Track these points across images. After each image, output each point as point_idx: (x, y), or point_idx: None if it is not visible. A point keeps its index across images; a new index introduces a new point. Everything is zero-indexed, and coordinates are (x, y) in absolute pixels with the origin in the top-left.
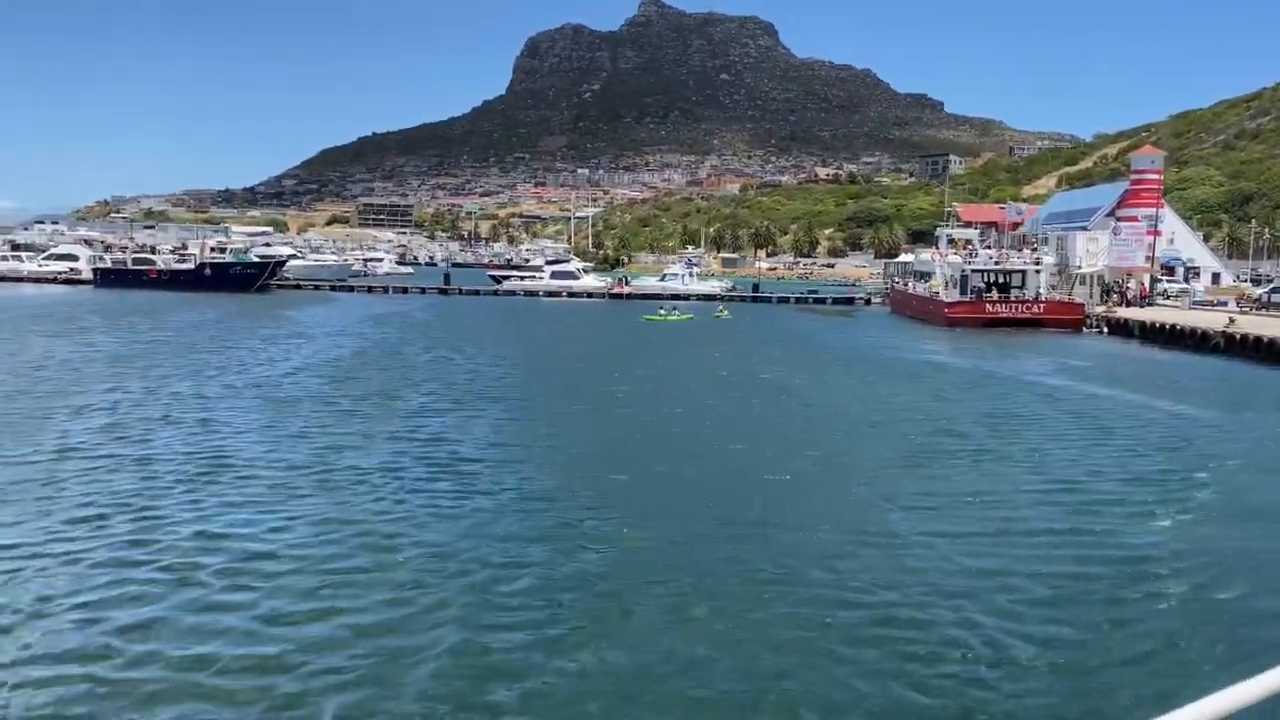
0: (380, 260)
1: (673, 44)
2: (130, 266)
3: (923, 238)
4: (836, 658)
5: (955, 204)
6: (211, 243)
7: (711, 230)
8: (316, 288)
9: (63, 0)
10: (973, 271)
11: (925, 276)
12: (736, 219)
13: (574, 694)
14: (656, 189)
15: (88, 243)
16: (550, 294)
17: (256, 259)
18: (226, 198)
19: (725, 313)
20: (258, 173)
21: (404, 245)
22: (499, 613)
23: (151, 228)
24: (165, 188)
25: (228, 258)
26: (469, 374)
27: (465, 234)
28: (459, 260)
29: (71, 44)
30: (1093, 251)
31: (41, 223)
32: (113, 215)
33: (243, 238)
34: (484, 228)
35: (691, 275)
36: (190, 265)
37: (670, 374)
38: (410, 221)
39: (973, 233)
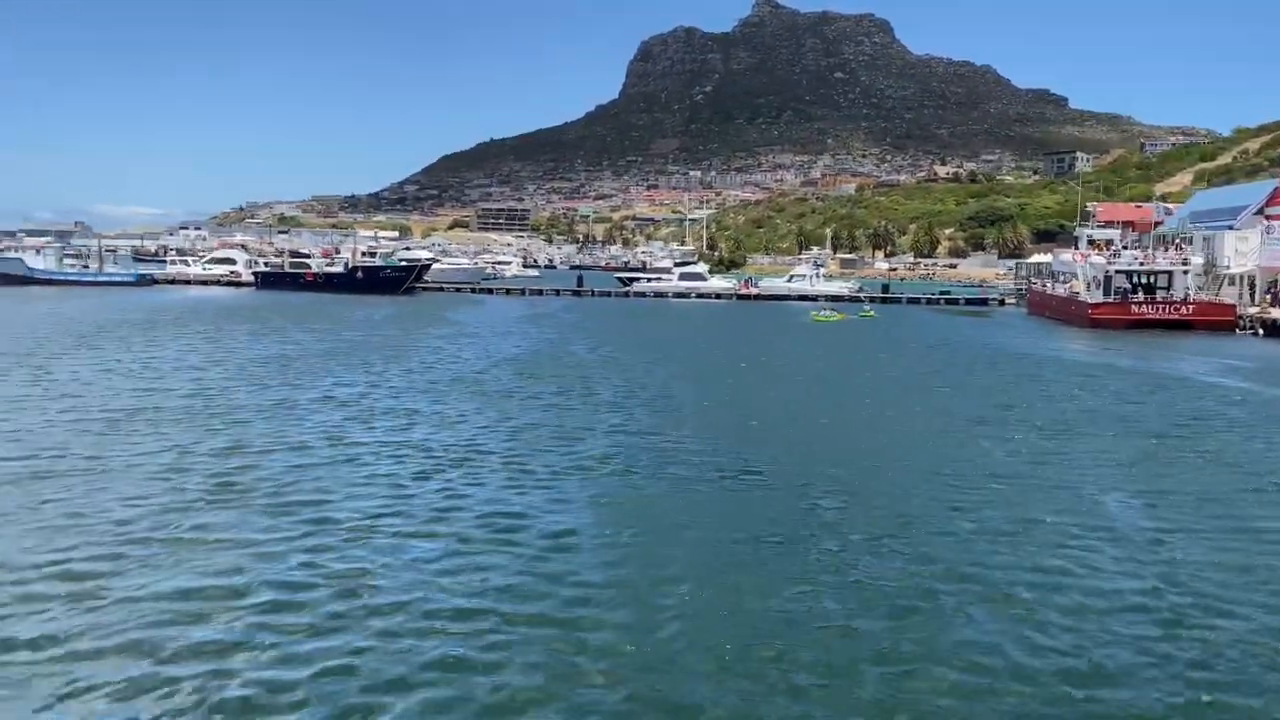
0: (508, 264)
1: (786, 44)
2: (287, 270)
3: (1049, 237)
4: (1137, 650)
5: (1095, 203)
6: (362, 248)
7: (828, 231)
8: (457, 290)
9: (194, 16)
10: (1116, 272)
11: (1065, 277)
12: (853, 219)
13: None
14: (769, 190)
15: (244, 247)
16: (679, 295)
17: (403, 263)
18: (353, 203)
19: (872, 313)
20: (381, 178)
21: (523, 249)
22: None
23: (285, 232)
24: (295, 194)
25: (377, 261)
26: (650, 372)
27: (580, 237)
28: (575, 263)
29: (205, 57)
30: (1242, 251)
31: (185, 228)
32: (248, 220)
33: (388, 243)
34: (598, 231)
35: (818, 276)
36: (342, 269)
37: (863, 379)
38: (527, 225)
39: (1114, 232)
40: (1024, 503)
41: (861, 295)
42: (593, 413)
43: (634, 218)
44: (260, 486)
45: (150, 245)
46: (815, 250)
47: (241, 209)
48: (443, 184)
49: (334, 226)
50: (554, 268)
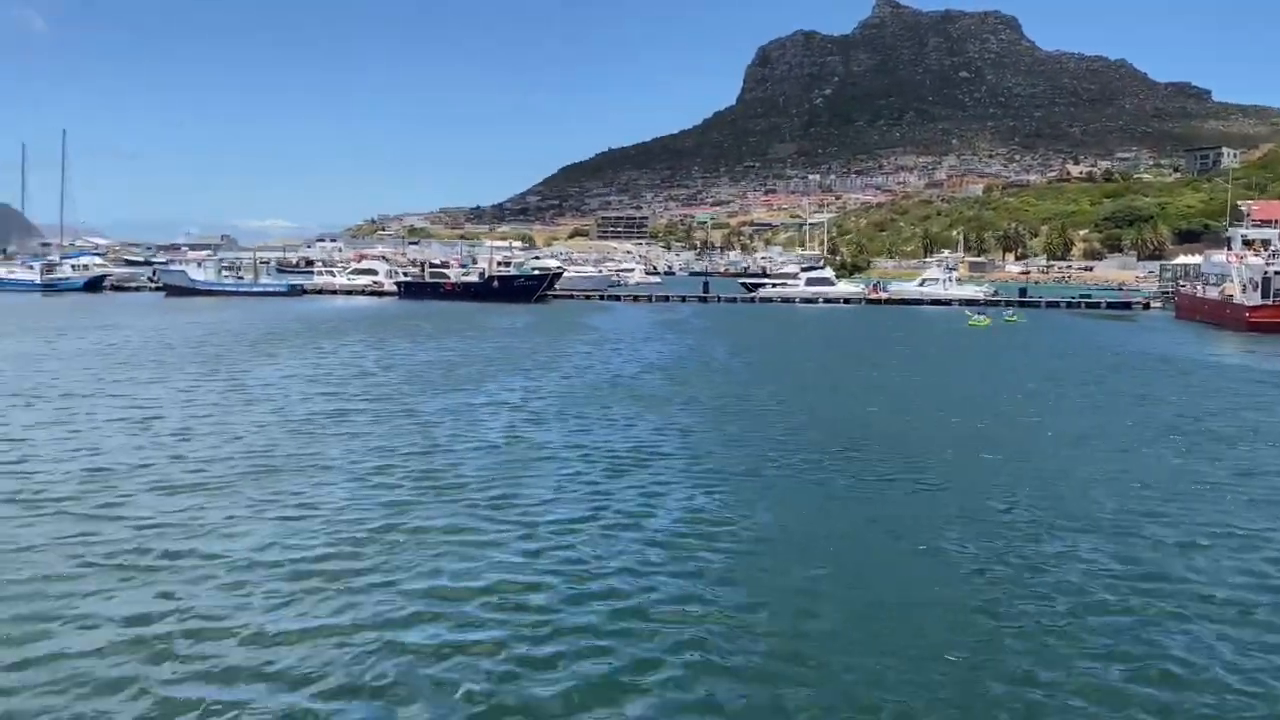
0: (631, 271)
1: (908, 44)
2: (428, 279)
3: (1193, 238)
4: None
5: (1248, 201)
6: (498, 258)
7: (955, 233)
8: (586, 297)
9: (321, 37)
10: (1275, 274)
11: (1216, 279)
12: (981, 221)
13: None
14: (892, 192)
15: (384, 258)
16: (806, 300)
17: (536, 272)
18: (478, 214)
19: (1017, 317)
20: (504, 190)
21: (643, 256)
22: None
23: (416, 243)
24: (423, 206)
25: (512, 271)
26: (800, 376)
27: (698, 244)
28: (695, 269)
29: (331, 76)
30: None
31: (322, 240)
32: (380, 233)
33: (520, 253)
34: (716, 237)
35: (951, 280)
36: (477, 278)
37: (1047, 389)
38: (645, 233)
39: (1272, 232)
40: (1229, 512)
41: (999, 299)
42: (757, 417)
43: (751, 223)
44: (466, 484)
45: (291, 257)
46: (946, 253)
47: (373, 221)
48: (563, 194)
49: (461, 237)
50: (673, 274)
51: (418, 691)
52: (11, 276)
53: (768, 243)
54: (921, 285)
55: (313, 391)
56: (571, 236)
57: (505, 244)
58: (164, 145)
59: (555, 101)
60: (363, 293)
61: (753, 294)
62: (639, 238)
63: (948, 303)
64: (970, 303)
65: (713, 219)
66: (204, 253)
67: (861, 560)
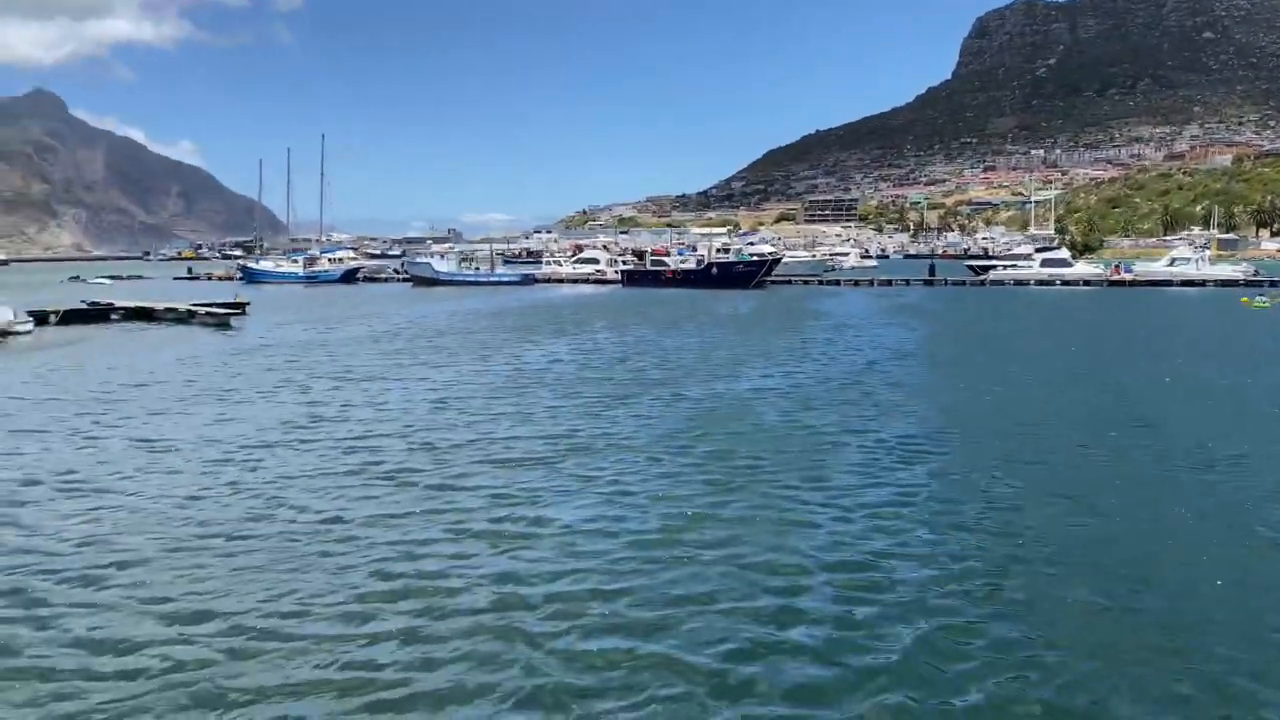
0: (846, 255)
1: (1142, 6)
2: (649, 267)
3: None
4: None
5: None
6: (717, 244)
7: (1199, 209)
8: (805, 282)
9: (524, 25)
10: None
11: None
12: (1230, 194)
13: None
14: (1125, 166)
15: (606, 248)
16: (1041, 282)
17: (755, 258)
18: (683, 202)
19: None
20: (709, 177)
21: (853, 239)
22: None
23: (626, 233)
24: (630, 196)
25: (731, 258)
26: (1072, 363)
27: (912, 225)
28: (910, 252)
29: (544, 75)
30: None
31: (538, 232)
32: (590, 223)
33: (736, 240)
34: (931, 218)
35: (1204, 259)
36: (695, 265)
37: None
38: (855, 215)
39: None
40: None
41: (1261, 279)
42: (1035, 405)
43: (969, 202)
44: (760, 467)
45: (513, 248)
46: (1195, 230)
47: (584, 212)
48: (768, 178)
49: (668, 225)
50: (886, 257)
51: (760, 653)
52: (279, 269)
53: (988, 222)
54: (1171, 265)
55: (586, 375)
56: (778, 221)
57: (731, 231)
58: (386, 146)
59: (760, 86)
60: (586, 281)
61: (981, 276)
62: (848, 220)
63: (1201, 283)
64: (1227, 284)
65: (927, 199)
66: (445, 246)
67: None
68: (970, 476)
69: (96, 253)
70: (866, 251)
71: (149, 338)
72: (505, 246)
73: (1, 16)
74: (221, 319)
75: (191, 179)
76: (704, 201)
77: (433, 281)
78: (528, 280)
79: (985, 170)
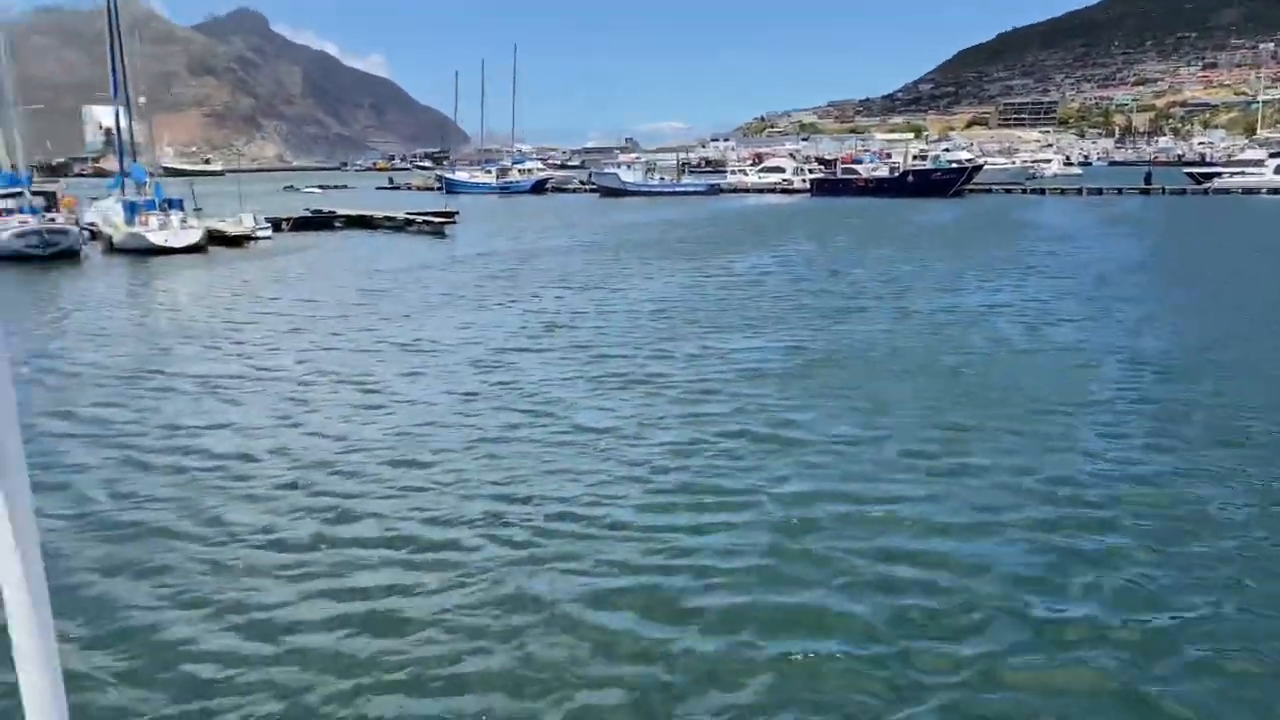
0: (1048, 162)
1: None
2: (840, 176)
3: None
4: None
5: None
6: (914, 151)
7: None
8: (1006, 191)
9: None
10: None
11: None
12: None
13: None
14: None
15: (792, 156)
16: (1274, 191)
17: (954, 165)
18: (867, 107)
19: None
20: (895, 80)
21: (1053, 145)
22: None
23: (807, 139)
24: (810, 101)
25: (928, 165)
26: None
27: (1118, 129)
28: (1116, 159)
29: None
30: None
31: (715, 140)
32: (769, 130)
33: (936, 147)
34: (1139, 121)
35: None
36: (887, 173)
37: None
38: (1054, 119)
39: None
40: None
41: None
42: None
43: (1183, 104)
44: (1011, 387)
45: (691, 157)
46: None
47: (762, 119)
48: (959, 80)
49: (851, 131)
50: (1089, 164)
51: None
52: (474, 180)
53: (1205, 125)
54: None
55: (803, 287)
56: (969, 126)
57: (896, 137)
58: (557, 57)
59: None
60: (773, 190)
61: (1204, 185)
62: (1046, 125)
63: None
64: None
65: (1135, 101)
66: (631, 156)
67: None
68: (1251, 393)
69: (296, 163)
70: (1068, 158)
71: (374, 243)
72: (683, 156)
73: None
74: (437, 227)
75: (381, 91)
76: (889, 106)
77: (620, 192)
78: (713, 190)
79: (1205, 68)
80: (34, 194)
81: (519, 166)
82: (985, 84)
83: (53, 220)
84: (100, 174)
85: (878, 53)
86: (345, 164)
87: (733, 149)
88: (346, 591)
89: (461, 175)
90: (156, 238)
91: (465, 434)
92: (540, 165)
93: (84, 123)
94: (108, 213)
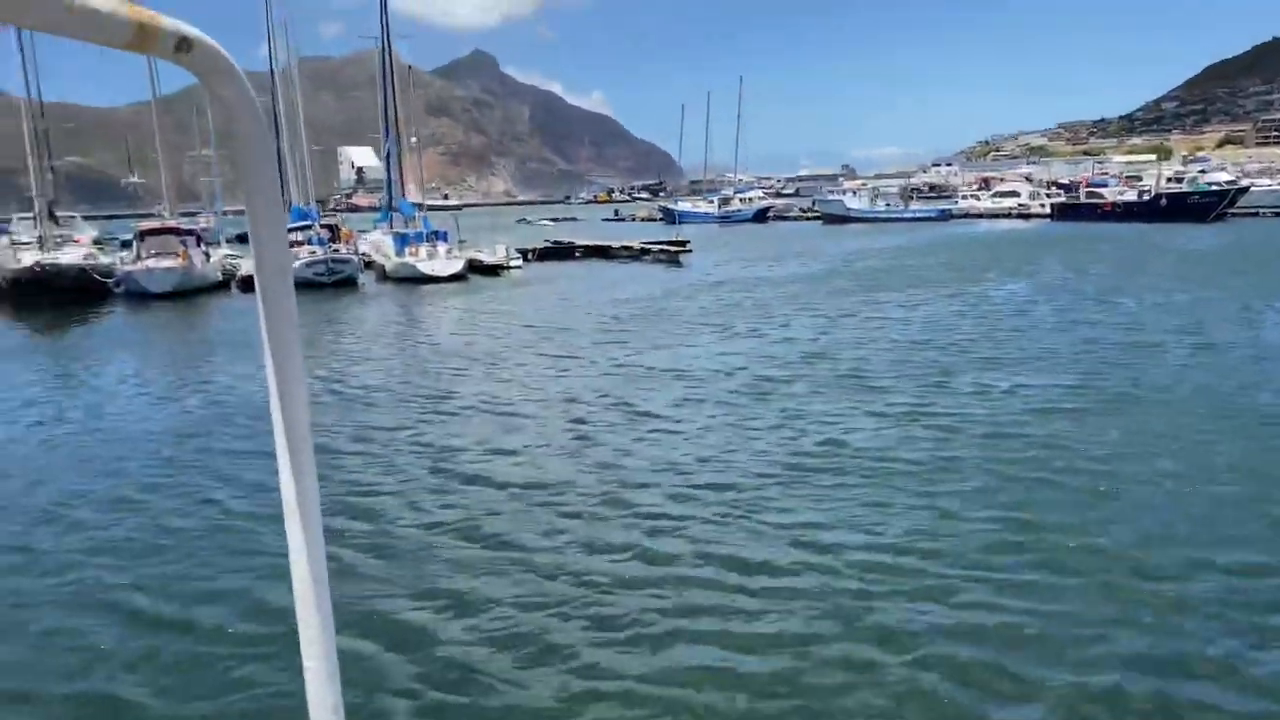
0: None
1: None
2: (1083, 200)
3: None
4: None
5: None
6: (1168, 173)
7: None
8: (1276, 214)
9: None
10: None
11: None
12: None
13: None
14: None
15: (1028, 179)
16: None
17: (1214, 187)
18: (1102, 127)
19: None
20: (1133, 99)
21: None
22: None
23: (1036, 163)
24: (1039, 123)
25: (1185, 188)
26: None
27: None
28: None
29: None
30: None
31: (937, 165)
32: (994, 154)
33: (1192, 167)
34: None
35: None
36: (1135, 196)
37: None
38: None
39: None
40: None
41: None
42: None
43: None
44: None
45: (912, 183)
46: None
47: (986, 143)
48: (1209, 97)
49: (1085, 153)
50: None
51: None
52: (696, 209)
53: None
54: None
55: (1073, 318)
56: (1220, 145)
57: (1136, 158)
58: (773, 83)
59: None
60: (1008, 215)
61: None
62: None
63: None
64: None
65: None
66: (858, 183)
67: None
68: None
69: (522, 197)
70: None
71: (615, 272)
72: (904, 181)
73: None
74: (672, 255)
75: (601, 127)
76: (1127, 126)
77: (844, 219)
78: (944, 216)
79: None
80: (321, 227)
81: (740, 195)
82: (1239, 100)
83: (336, 251)
84: (352, 209)
85: (1114, 71)
86: (569, 197)
87: (955, 173)
88: (669, 620)
89: (684, 205)
90: (425, 267)
91: (758, 463)
92: (760, 194)
93: (339, 162)
94: (380, 244)
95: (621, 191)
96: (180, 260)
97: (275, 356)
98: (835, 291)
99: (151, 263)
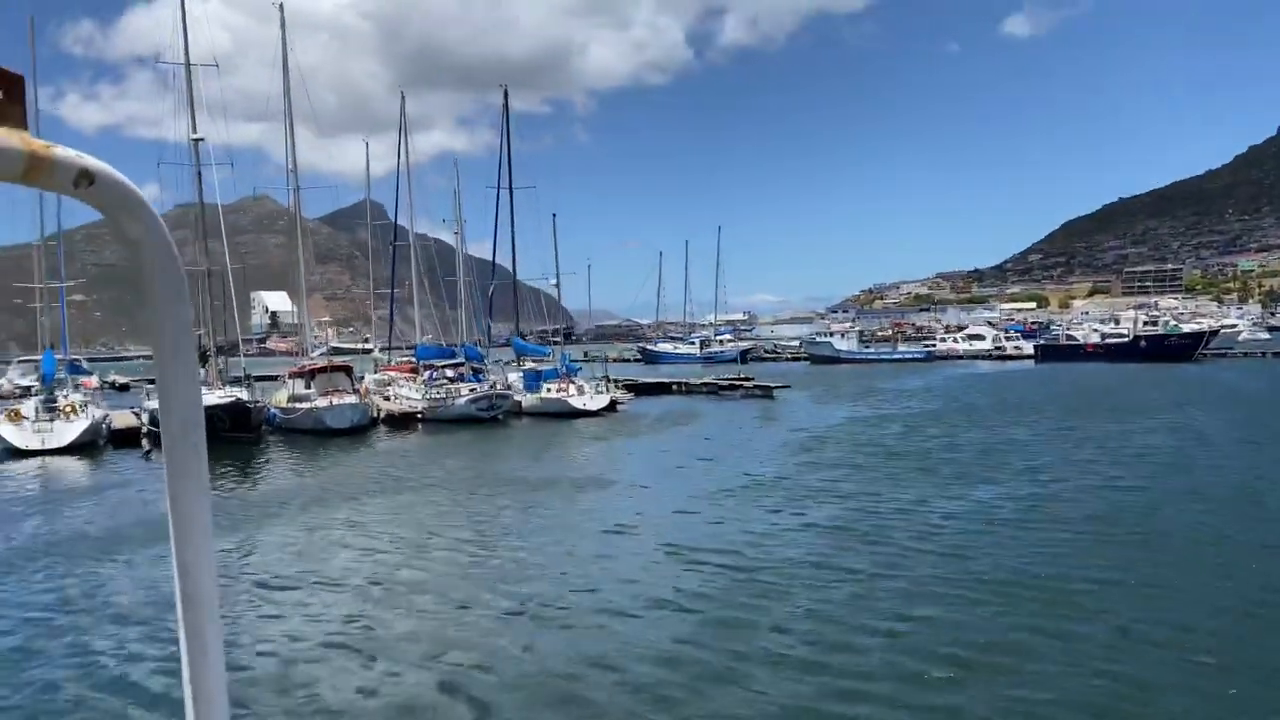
0: (1234, 327)
1: None
2: (1064, 343)
3: None
4: None
5: None
6: (1144, 317)
7: None
8: (1245, 355)
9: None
10: None
11: None
12: None
13: None
14: None
15: (990, 324)
16: None
17: (1189, 331)
18: (978, 276)
19: None
20: (999, 251)
21: (1193, 312)
22: None
23: (928, 309)
24: (916, 274)
25: (1160, 330)
26: None
27: (1259, 295)
28: (1276, 324)
29: (800, 154)
30: None
31: (834, 311)
32: (878, 302)
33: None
34: (1266, 286)
35: None
36: (1125, 339)
37: None
38: (1179, 286)
39: None
40: None
41: None
42: None
43: None
44: None
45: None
46: None
47: (870, 290)
48: (1069, 250)
49: (970, 301)
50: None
51: None
52: (676, 351)
53: None
54: None
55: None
56: (1090, 294)
57: (1019, 306)
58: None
59: (1049, 155)
60: (987, 357)
61: None
62: (1174, 292)
63: None
64: None
65: (1260, 266)
66: (847, 325)
67: None
68: None
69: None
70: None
71: (708, 406)
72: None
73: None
74: (767, 391)
75: (488, 273)
76: (999, 276)
77: (834, 360)
78: (929, 357)
79: None
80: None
81: (720, 338)
82: (1097, 253)
83: (494, 386)
84: (265, 353)
85: (979, 224)
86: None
87: (851, 319)
88: None
89: (664, 347)
90: (577, 402)
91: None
92: (730, 336)
93: (252, 307)
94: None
95: (533, 335)
96: None
97: (178, 518)
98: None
99: None
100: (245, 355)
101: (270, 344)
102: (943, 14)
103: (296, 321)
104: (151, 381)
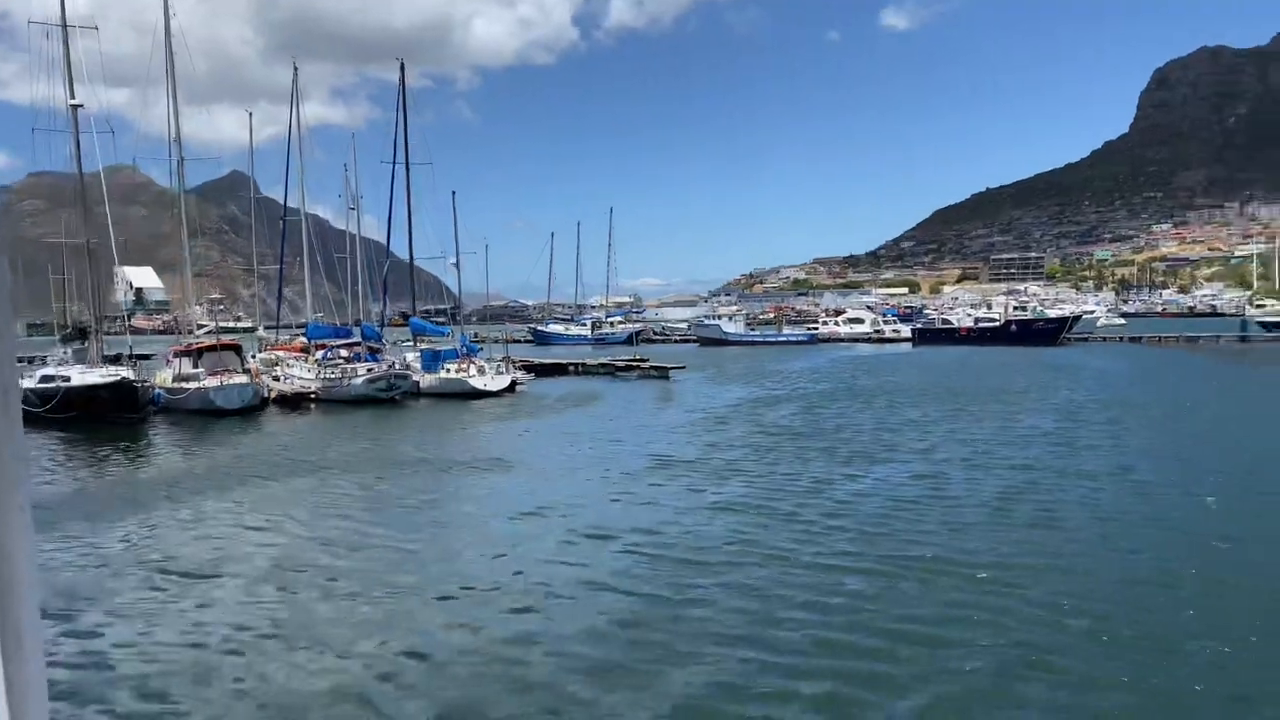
0: (1093, 313)
1: None
2: (939, 326)
3: None
4: None
5: None
6: (1014, 302)
7: None
8: (1103, 340)
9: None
10: None
11: None
12: None
13: None
14: None
15: (870, 308)
16: None
17: (1055, 316)
18: (853, 262)
19: None
20: (874, 238)
21: (1055, 298)
22: None
23: (805, 294)
24: (794, 259)
25: (1029, 315)
26: None
27: (1113, 284)
28: (1123, 310)
29: (685, 140)
30: None
31: (716, 295)
32: (758, 286)
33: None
34: (1127, 275)
35: None
36: (996, 323)
37: None
38: (1042, 274)
39: None
40: None
41: None
42: None
43: (1163, 259)
44: None
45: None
46: None
47: (750, 275)
48: (939, 238)
49: (846, 286)
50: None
51: None
52: (568, 332)
53: (1193, 279)
54: None
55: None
56: (960, 280)
57: (892, 291)
58: (539, 214)
59: (925, 145)
60: (868, 340)
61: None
62: (1036, 280)
63: None
64: None
65: (1114, 256)
66: (733, 309)
67: None
68: None
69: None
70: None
71: (609, 386)
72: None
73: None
74: (662, 371)
75: (370, 251)
76: (874, 262)
77: (722, 342)
78: (812, 340)
79: (1177, 225)
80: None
81: (611, 320)
82: (966, 240)
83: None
84: (135, 331)
85: (854, 212)
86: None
87: (734, 304)
88: None
89: (556, 328)
90: (478, 382)
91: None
92: (621, 319)
93: (115, 282)
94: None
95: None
96: None
97: None
98: (860, 411)
99: None
100: (112, 334)
101: (136, 322)
102: (825, 1)
103: (167, 298)
104: None
